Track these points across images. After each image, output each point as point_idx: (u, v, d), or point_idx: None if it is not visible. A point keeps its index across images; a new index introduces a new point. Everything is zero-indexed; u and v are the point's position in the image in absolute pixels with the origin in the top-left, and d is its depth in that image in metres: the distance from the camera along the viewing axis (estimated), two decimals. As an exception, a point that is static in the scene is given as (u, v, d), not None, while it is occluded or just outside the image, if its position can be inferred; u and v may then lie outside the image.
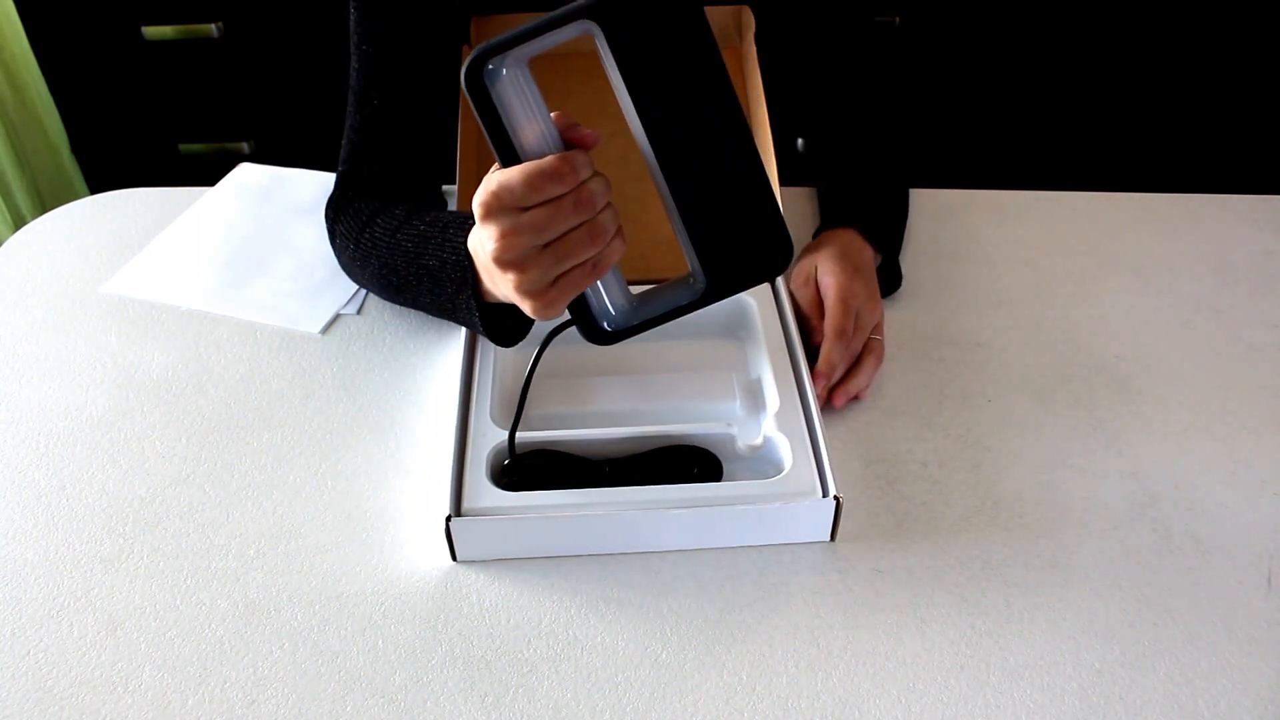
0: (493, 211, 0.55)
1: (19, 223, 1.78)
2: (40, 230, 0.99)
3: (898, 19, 1.64)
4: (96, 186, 1.88)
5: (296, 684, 0.60)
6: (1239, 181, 1.43)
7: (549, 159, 0.53)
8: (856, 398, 0.78)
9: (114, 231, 0.98)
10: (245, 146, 1.80)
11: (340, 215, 0.83)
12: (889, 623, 0.63)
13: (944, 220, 0.99)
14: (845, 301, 0.78)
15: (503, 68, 0.52)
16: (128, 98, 1.77)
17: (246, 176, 1.05)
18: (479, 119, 0.53)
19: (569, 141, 0.55)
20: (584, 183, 0.54)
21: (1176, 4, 1.64)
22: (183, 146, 1.82)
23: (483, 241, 0.56)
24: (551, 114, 0.55)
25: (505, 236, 0.55)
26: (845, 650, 0.62)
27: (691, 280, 0.60)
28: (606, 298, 0.60)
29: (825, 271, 0.80)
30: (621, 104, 0.54)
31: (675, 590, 0.65)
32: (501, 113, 0.53)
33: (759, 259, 0.59)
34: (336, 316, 0.87)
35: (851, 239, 0.83)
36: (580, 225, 0.55)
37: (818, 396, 0.74)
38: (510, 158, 0.54)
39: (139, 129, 1.81)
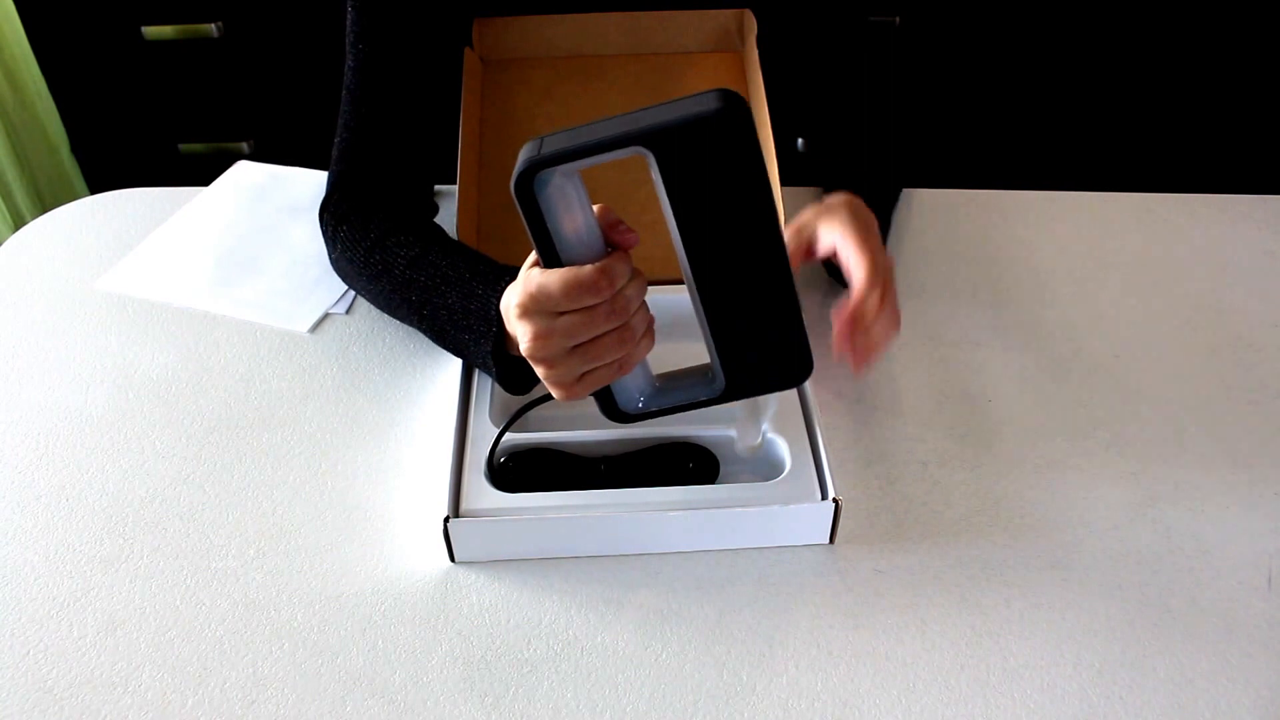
0: (529, 312, 0.57)
1: (19, 223, 1.78)
2: (40, 230, 0.99)
3: (898, 19, 1.64)
4: (96, 186, 1.88)
5: (296, 684, 0.60)
6: (1239, 181, 1.43)
7: (587, 271, 0.55)
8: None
9: (114, 231, 0.98)
10: (245, 146, 1.80)
11: (342, 224, 0.82)
12: (889, 623, 0.63)
13: (944, 220, 0.99)
14: (876, 246, 0.69)
15: (552, 176, 0.53)
16: (128, 98, 1.77)
17: (244, 174, 1.05)
18: (524, 220, 0.54)
19: (610, 242, 0.57)
20: (620, 289, 0.56)
21: (1176, 4, 1.64)
22: (182, 146, 1.82)
23: (518, 335, 0.59)
24: (595, 207, 0.56)
25: (539, 338, 0.57)
26: (845, 650, 0.62)
27: (710, 377, 0.63)
28: (630, 385, 0.63)
29: (839, 220, 0.71)
30: (666, 218, 0.56)
31: (675, 591, 0.65)
32: (547, 218, 0.54)
33: (779, 372, 0.61)
34: (325, 316, 0.87)
35: (859, 201, 0.76)
36: (612, 330, 0.57)
37: (840, 351, 0.67)
38: (552, 258, 0.55)
39: (139, 129, 1.81)
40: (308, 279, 0.91)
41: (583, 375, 0.59)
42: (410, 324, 0.81)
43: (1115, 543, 0.68)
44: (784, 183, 0.88)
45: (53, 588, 0.65)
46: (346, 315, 0.87)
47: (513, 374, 0.71)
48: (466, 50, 0.86)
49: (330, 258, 0.85)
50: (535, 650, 0.62)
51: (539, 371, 0.60)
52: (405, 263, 0.77)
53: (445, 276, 0.74)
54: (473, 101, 0.85)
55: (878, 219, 0.85)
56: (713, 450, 0.71)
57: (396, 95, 0.82)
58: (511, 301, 0.59)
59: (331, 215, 0.84)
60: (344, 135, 0.83)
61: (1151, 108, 1.75)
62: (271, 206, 1.00)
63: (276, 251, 0.94)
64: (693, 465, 0.70)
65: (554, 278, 0.55)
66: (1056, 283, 0.92)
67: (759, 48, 0.86)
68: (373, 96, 0.82)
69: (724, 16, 0.88)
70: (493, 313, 0.69)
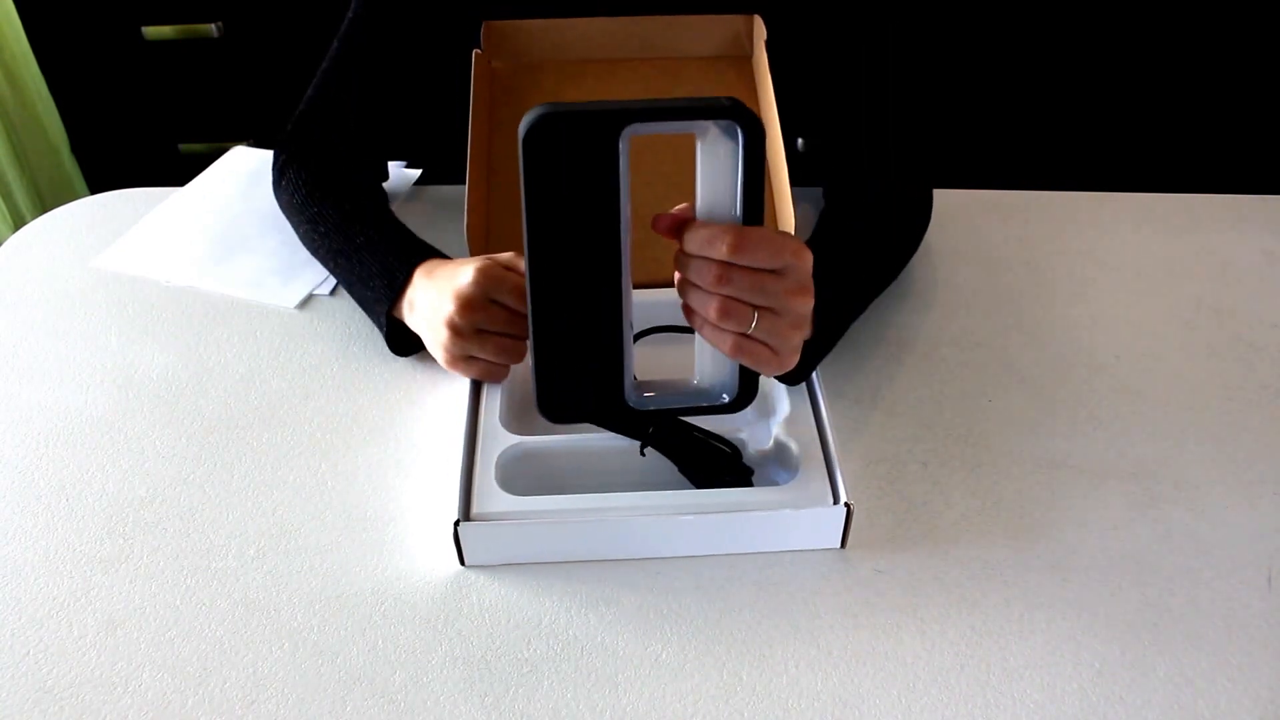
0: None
1: (19, 223, 1.78)
2: (40, 230, 0.99)
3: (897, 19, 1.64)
4: (96, 186, 1.88)
5: (296, 684, 0.60)
6: (1239, 181, 1.43)
7: None
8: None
9: (114, 232, 0.98)
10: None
11: (289, 166, 0.91)
12: (889, 623, 0.63)
13: (944, 220, 0.99)
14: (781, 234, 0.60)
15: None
16: (128, 98, 1.77)
17: (239, 159, 1.08)
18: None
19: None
20: None
21: (1176, 4, 1.64)
22: (183, 146, 1.82)
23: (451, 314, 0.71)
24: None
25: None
26: (845, 650, 0.62)
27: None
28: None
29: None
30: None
31: (675, 591, 0.65)
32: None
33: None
34: (310, 296, 0.90)
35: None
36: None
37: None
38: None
39: (139, 129, 1.81)
40: (299, 259, 0.93)
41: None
42: (327, 268, 0.88)
43: (1115, 543, 0.68)
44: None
45: (53, 588, 0.65)
46: (347, 315, 0.87)
47: (399, 336, 0.80)
48: (475, 53, 0.86)
49: (274, 189, 0.94)
50: (535, 650, 0.62)
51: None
52: (336, 217, 0.86)
53: (369, 240, 0.83)
54: (481, 104, 0.85)
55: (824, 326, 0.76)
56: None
57: (380, 54, 0.90)
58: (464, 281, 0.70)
59: (285, 152, 0.93)
60: (321, 78, 0.92)
61: (1151, 108, 1.75)
62: (265, 190, 1.01)
63: (269, 232, 0.96)
64: (728, 479, 0.69)
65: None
66: (1056, 283, 0.92)
67: (768, 53, 0.86)
68: (357, 49, 0.90)
69: (734, 22, 0.88)
70: (398, 280, 0.78)
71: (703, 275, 0.57)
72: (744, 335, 0.59)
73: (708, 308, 0.58)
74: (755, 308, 0.58)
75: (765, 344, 0.60)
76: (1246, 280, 0.92)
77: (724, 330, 0.59)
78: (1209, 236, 0.98)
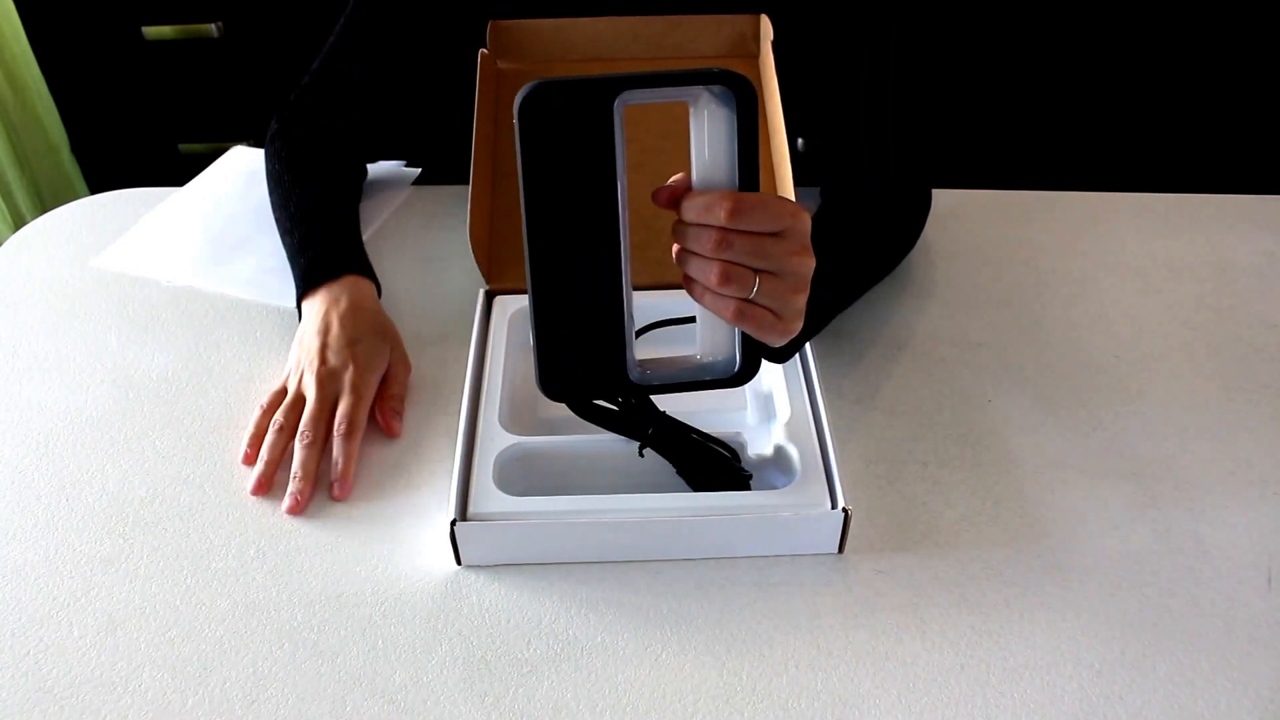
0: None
1: (19, 223, 1.78)
2: (40, 230, 0.99)
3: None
4: (96, 186, 1.88)
5: (296, 684, 0.60)
6: (1239, 181, 1.43)
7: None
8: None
9: (114, 231, 0.98)
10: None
11: (277, 140, 0.96)
12: (889, 623, 0.63)
13: (944, 220, 0.99)
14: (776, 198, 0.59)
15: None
16: (128, 98, 1.77)
17: (239, 159, 1.08)
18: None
19: None
20: None
21: (1176, 4, 1.64)
22: (183, 146, 1.82)
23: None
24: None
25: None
26: (845, 650, 0.62)
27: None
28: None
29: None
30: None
31: (675, 591, 0.65)
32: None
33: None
34: None
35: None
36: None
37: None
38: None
39: (139, 129, 1.81)
40: None
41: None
42: (278, 228, 0.92)
43: (1115, 543, 0.68)
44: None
45: (53, 588, 0.65)
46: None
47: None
48: (482, 53, 0.86)
49: (271, 139, 0.99)
50: (535, 650, 0.62)
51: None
52: (298, 196, 0.91)
53: (311, 224, 0.89)
54: (487, 104, 0.85)
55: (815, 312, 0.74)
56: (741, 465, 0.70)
57: (380, 52, 0.93)
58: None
59: (277, 123, 0.98)
60: (322, 59, 0.97)
61: (1151, 108, 1.76)
62: (265, 189, 1.01)
63: (269, 232, 0.96)
64: (725, 481, 0.69)
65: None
66: (1056, 283, 0.92)
67: (774, 53, 0.86)
68: (356, 46, 0.93)
69: (740, 22, 0.88)
70: (317, 276, 0.83)
71: (702, 242, 0.57)
72: (746, 300, 0.58)
73: (708, 274, 0.57)
74: (756, 272, 0.58)
75: (768, 308, 0.59)
76: (1246, 280, 0.92)
77: (725, 296, 0.58)
78: (1209, 236, 0.98)
